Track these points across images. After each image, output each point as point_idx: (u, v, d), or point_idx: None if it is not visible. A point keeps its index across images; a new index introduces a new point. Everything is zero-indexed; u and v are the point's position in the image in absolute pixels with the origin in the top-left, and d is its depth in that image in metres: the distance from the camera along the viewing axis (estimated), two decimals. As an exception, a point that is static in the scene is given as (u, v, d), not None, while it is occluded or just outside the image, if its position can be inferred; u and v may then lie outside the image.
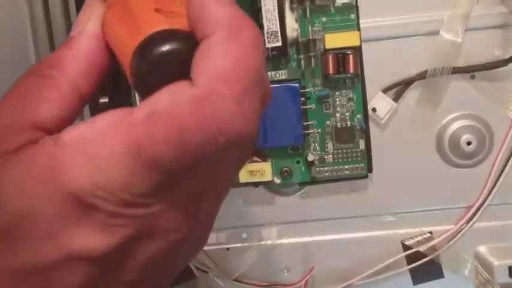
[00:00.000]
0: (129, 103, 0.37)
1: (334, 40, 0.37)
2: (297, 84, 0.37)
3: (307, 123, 0.38)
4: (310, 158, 0.38)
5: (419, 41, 0.38)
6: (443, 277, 0.40)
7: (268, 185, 0.39)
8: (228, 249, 0.41)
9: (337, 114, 0.38)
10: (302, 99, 0.38)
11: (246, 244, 0.41)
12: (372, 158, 0.39)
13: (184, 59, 0.21)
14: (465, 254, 0.41)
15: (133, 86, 0.22)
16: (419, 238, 0.40)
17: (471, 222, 0.40)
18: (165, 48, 0.20)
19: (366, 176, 0.39)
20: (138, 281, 0.24)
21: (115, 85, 0.36)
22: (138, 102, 0.37)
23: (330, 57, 0.37)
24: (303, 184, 0.40)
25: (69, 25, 0.39)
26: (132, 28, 0.22)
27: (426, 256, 0.39)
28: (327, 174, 0.39)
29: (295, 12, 0.37)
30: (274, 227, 0.41)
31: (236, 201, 0.41)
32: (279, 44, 0.37)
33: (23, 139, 0.23)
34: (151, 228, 0.23)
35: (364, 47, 0.37)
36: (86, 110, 0.36)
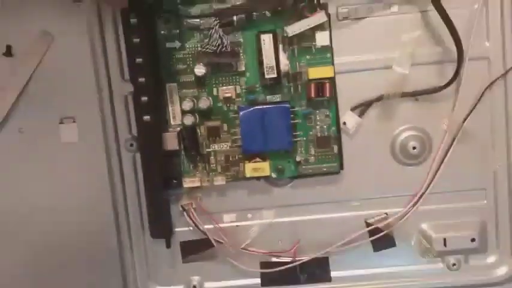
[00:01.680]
0: (159, 89, 0.38)
1: (315, 72, 0.37)
2: (287, 105, 0.38)
3: (296, 133, 0.39)
4: (298, 158, 0.39)
5: (378, 72, 0.38)
6: (395, 246, 0.40)
7: (267, 178, 0.40)
8: (237, 226, 0.41)
9: (317, 127, 0.39)
10: (291, 115, 0.38)
11: (250, 222, 0.41)
12: (343, 158, 0.40)
13: None
14: (412, 229, 0.41)
15: None
16: (378, 218, 0.40)
17: (416, 206, 0.40)
18: None
19: (338, 172, 0.40)
20: None
21: (154, 85, 0.36)
22: (169, 99, 0.38)
23: (312, 85, 0.38)
24: (292, 178, 0.40)
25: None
26: None
27: (383, 231, 0.40)
28: (310, 170, 0.40)
29: (287, 52, 0.38)
30: (271, 209, 0.41)
31: (243, 190, 0.41)
32: (275, 75, 0.38)
33: None
34: None
35: (337, 77, 0.38)
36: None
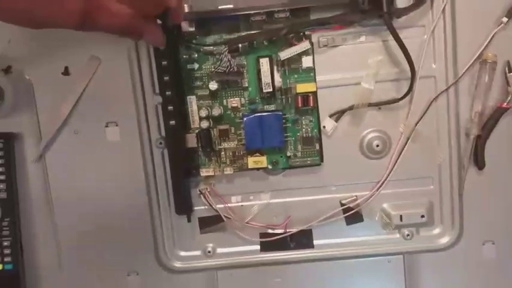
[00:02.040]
0: (182, 100, 0.40)
1: (302, 88, 0.40)
2: (280, 113, 0.40)
3: (286, 134, 0.41)
4: (288, 154, 0.42)
5: (350, 88, 0.41)
6: (363, 221, 0.43)
7: (264, 169, 0.42)
8: (242, 205, 0.43)
9: (303, 130, 0.42)
10: (283, 121, 0.41)
11: (252, 202, 0.43)
12: (323, 154, 0.42)
13: None
14: (375, 208, 0.43)
15: None
16: (350, 199, 0.43)
17: (379, 190, 0.42)
18: None
19: (319, 164, 0.42)
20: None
21: (178, 97, 0.39)
22: (190, 108, 0.41)
23: (299, 97, 0.40)
24: (284, 169, 0.43)
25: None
26: None
27: (353, 209, 0.42)
28: (298, 163, 0.42)
29: (280, 72, 0.40)
30: (268, 193, 0.43)
31: (246, 178, 0.43)
32: (271, 90, 0.40)
33: None
34: None
35: (319, 91, 0.41)
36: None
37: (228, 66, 0.39)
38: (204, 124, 0.41)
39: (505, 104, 0.40)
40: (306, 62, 0.40)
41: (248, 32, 0.40)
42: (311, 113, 0.41)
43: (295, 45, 0.39)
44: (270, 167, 0.42)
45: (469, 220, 0.43)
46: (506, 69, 0.40)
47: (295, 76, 0.41)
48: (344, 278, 0.44)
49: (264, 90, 0.40)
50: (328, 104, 0.41)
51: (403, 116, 0.42)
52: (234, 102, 0.41)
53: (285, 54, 0.39)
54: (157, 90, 0.41)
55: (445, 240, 0.44)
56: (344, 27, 0.40)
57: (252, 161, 0.41)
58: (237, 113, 0.41)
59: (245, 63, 0.41)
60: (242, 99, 0.41)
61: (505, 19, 0.39)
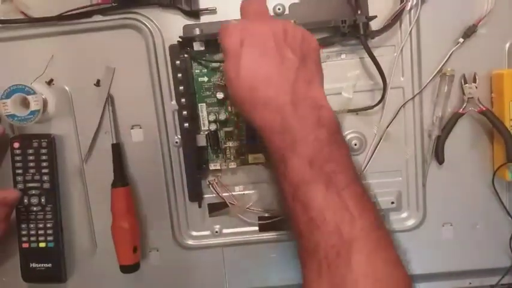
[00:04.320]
0: (194, 107, 0.40)
1: None
2: None
3: None
4: None
5: (332, 97, 0.39)
6: None
7: (262, 164, 0.42)
8: (244, 194, 0.43)
9: None
10: None
11: (252, 191, 0.43)
12: None
13: None
14: None
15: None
16: None
17: None
18: None
19: None
20: None
21: (191, 105, 0.39)
22: (201, 113, 0.40)
23: None
24: None
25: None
26: None
27: None
28: None
29: None
30: (265, 183, 0.43)
31: (247, 171, 0.43)
32: None
33: None
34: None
35: None
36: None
37: None
38: (212, 127, 0.41)
39: (461, 110, 0.41)
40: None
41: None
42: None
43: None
44: (266, 162, 0.42)
45: (431, 206, 0.43)
46: (462, 81, 0.41)
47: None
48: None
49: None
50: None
51: (376, 120, 0.42)
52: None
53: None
54: (174, 99, 0.42)
55: (411, 222, 0.44)
56: (325, 47, 0.40)
57: (252, 157, 0.41)
58: (239, 118, 0.41)
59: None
60: (244, 106, 0.41)
61: (461, 39, 0.40)
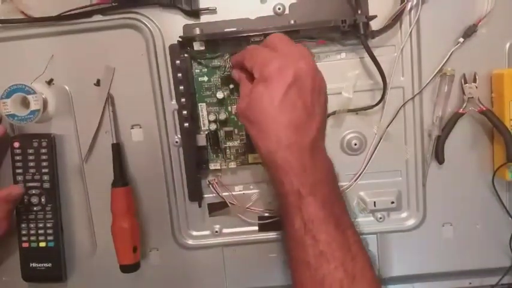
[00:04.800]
0: (194, 106, 0.40)
1: None
2: None
3: None
4: None
5: (332, 96, 0.39)
6: None
7: (262, 164, 0.41)
8: (243, 193, 0.43)
9: None
10: None
11: (251, 191, 0.43)
12: None
13: None
14: (354, 195, 0.43)
15: None
16: None
17: (356, 181, 0.42)
18: None
19: None
20: None
21: (191, 104, 0.39)
22: (201, 113, 0.40)
23: None
24: None
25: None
26: None
27: None
28: None
29: None
30: (265, 183, 0.43)
31: (247, 171, 0.43)
32: None
33: None
34: None
35: None
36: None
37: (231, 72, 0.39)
38: (212, 126, 0.41)
39: (461, 109, 0.41)
40: (297, 75, 0.40)
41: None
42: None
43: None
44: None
45: (431, 206, 0.43)
46: (462, 81, 0.40)
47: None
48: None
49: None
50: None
51: (376, 119, 0.42)
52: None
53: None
54: (174, 99, 0.42)
55: (411, 222, 0.44)
56: (326, 42, 0.40)
57: (252, 157, 0.41)
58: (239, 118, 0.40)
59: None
60: (244, 106, 0.41)
61: (461, 39, 0.40)
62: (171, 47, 0.40)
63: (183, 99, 0.39)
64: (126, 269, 0.41)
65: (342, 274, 0.26)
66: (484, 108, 0.40)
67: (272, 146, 0.28)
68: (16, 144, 0.42)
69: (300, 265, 0.28)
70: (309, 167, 0.28)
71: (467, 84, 0.40)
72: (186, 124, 0.40)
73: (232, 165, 0.42)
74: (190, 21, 0.40)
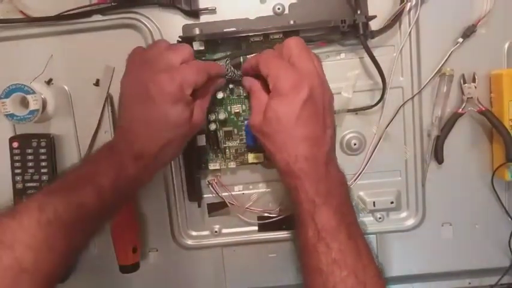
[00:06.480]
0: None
1: None
2: None
3: None
4: None
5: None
6: None
7: (261, 163, 0.42)
8: (243, 193, 0.43)
9: None
10: None
11: (251, 191, 0.43)
12: None
13: None
14: (353, 195, 0.42)
15: None
16: None
17: (356, 181, 0.42)
18: None
19: None
20: None
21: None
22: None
23: None
24: None
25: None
26: None
27: None
28: None
29: None
30: (264, 183, 0.43)
31: (247, 171, 0.42)
32: None
33: None
34: None
35: None
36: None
37: (232, 75, 0.39)
38: (212, 126, 0.40)
39: (460, 109, 0.41)
40: (296, 75, 0.40)
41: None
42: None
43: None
44: (266, 161, 0.42)
45: (430, 206, 0.43)
46: (461, 81, 0.40)
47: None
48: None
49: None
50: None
51: (376, 119, 0.42)
52: (237, 108, 0.41)
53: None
54: (173, 99, 0.41)
55: (410, 222, 0.43)
56: (326, 44, 0.40)
57: (251, 157, 0.41)
58: (239, 118, 0.41)
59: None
60: (243, 106, 0.41)
61: (460, 39, 0.40)
62: (171, 47, 0.40)
63: (182, 99, 0.39)
64: (125, 269, 0.41)
65: (354, 281, 0.27)
66: (483, 109, 0.40)
67: (290, 159, 0.30)
68: (15, 144, 0.41)
69: (313, 272, 0.28)
70: (323, 178, 0.29)
71: (466, 84, 0.40)
72: (186, 124, 0.40)
73: (232, 165, 0.42)
74: (190, 21, 0.40)
